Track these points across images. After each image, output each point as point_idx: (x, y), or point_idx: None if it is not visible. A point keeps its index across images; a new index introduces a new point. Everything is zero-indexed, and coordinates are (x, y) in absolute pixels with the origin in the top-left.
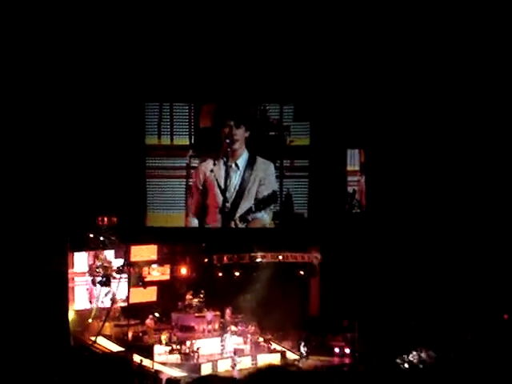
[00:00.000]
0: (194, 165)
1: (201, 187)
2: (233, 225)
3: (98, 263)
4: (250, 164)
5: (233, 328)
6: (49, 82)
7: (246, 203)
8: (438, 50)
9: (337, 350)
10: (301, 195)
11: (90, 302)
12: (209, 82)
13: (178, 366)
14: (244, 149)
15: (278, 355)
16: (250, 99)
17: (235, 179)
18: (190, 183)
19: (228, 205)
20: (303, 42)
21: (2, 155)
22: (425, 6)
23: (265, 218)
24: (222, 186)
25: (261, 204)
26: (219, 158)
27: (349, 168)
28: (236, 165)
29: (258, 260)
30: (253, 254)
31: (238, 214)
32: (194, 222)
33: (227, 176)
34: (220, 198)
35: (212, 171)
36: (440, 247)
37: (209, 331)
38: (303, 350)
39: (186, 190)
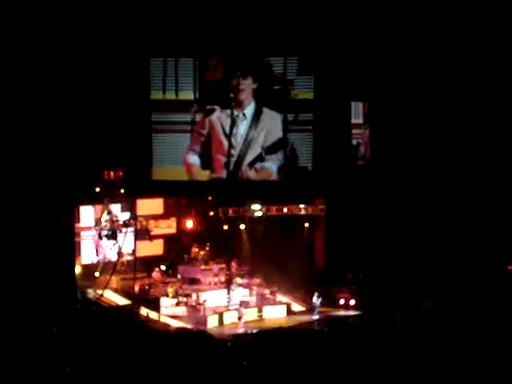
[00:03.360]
0: (198, 119)
1: (205, 134)
2: (243, 174)
3: (105, 217)
4: (257, 114)
5: (238, 280)
6: (55, 38)
7: (252, 153)
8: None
9: (342, 301)
10: (305, 148)
11: (97, 255)
12: (213, 37)
13: (184, 318)
14: (251, 99)
15: (284, 307)
16: (254, 52)
17: (242, 128)
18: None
19: (234, 153)
20: None
21: (10, 111)
22: None
23: (273, 168)
24: (228, 133)
25: (268, 151)
26: (225, 108)
27: (353, 121)
28: (244, 115)
29: (263, 213)
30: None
31: (245, 163)
32: (195, 160)
33: (233, 124)
34: (226, 146)
35: (218, 117)
36: (443, 197)
37: (215, 284)
38: (317, 301)
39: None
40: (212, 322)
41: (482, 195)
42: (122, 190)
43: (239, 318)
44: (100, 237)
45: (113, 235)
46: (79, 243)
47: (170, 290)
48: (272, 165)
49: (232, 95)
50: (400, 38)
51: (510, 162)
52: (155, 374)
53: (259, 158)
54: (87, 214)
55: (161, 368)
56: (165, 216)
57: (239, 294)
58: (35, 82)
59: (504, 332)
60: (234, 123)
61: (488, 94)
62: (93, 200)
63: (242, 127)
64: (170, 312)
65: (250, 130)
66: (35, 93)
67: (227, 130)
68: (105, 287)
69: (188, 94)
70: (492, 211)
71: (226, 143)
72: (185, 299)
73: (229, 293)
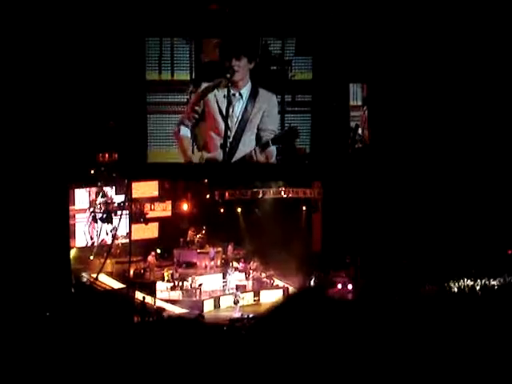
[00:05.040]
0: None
1: (199, 110)
2: (252, 157)
3: (100, 200)
4: (253, 95)
5: (235, 264)
6: (49, 17)
7: (249, 134)
8: None
9: (339, 285)
10: (303, 130)
11: (91, 238)
12: (209, 17)
13: (180, 302)
14: (248, 80)
15: (281, 291)
16: (250, 33)
17: (238, 108)
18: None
19: (230, 134)
20: None
21: (3, 95)
22: None
23: (273, 150)
24: (224, 113)
25: (279, 139)
26: (222, 88)
27: (351, 103)
28: (240, 94)
29: (260, 196)
30: (255, 190)
31: (241, 145)
32: (186, 133)
33: (229, 105)
34: (222, 127)
35: (215, 96)
36: (442, 181)
37: (211, 267)
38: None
39: None
40: (208, 307)
41: (481, 179)
42: (117, 173)
43: (236, 303)
44: (95, 219)
45: (107, 218)
46: (74, 226)
47: (165, 273)
48: (273, 147)
49: (228, 75)
50: (399, 19)
51: (508, 147)
52: (150, 359)
53: (267, 143)
54: (82, 197)
55: (156, 353)
56: (160, 199)
57: (236, 277)
58: (27, 65)
59: (503, 316)
60: (230, 103)
61: (489, 77)
62: (87, 182)
63: (238, 108)
64: (165, 296)
65: (246, 111)
66: (27, 75)
67: (223, 109)
68: (99, 271)
69: (184, 75)
70: (491, 194)
71: (221, 123)
72: (180, 283)
73: (225, 277)
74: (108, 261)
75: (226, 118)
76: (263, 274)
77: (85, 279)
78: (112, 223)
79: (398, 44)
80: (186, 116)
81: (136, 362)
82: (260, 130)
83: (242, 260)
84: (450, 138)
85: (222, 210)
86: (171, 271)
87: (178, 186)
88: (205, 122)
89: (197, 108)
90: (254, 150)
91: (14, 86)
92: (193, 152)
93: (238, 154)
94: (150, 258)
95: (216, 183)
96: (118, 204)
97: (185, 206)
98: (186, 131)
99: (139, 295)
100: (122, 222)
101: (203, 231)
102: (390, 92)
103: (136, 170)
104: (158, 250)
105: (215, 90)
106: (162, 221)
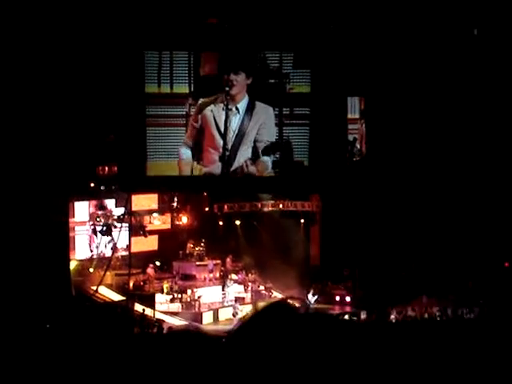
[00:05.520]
0: (192, 113)
1: (198, 127)
2: (243, 169)
3: (99, 212)
4: (250, 109)
5: (233, 276)
6: (48, 30)
7: (245, 147)
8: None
9: (338, 298)
10: (301, 143)
11: (91, 251)
12: (208, 31)
13: (179, 314)
14: (245, 94)
15: None
16: (248, 47)
17: (235, 123)
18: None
19: (228, 147)
20: None
21: (2, 107)
22: None
23: (268, 162)
24: (222, 129)
25: (266, 151)
26: (219, 102)
27: (349, 116)
28: (236, 108)
29: (259, 209)
30: (253, 203)
31: (238, 158)
32: (187, 154)
33: (226, 119)
34: (219, 141)
35: (211, 111)
36: (440, 193)
37: (210, 280)
38: (312, 298)
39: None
40: (207, 319)
41: (478, 191)
42: (117, 186)
43: (234, 315)
44: (94, 232)
45: (107, 230)
46: (74, 238)
47: (164, 286)
48: (267, 159)
49: (227, 88)
50: (396, 32)
51: (507, 157)
52: (150, 370)
53: (257, 154)
54: (82, 210)
55: (156, 365)
56: (159, 211)
57: (234, 290)
58: (27, 77)
59: (500, 328)
60: (226, 118)
61: (484, 89)
62: (87, 195)
63: (235, 122)
64: (164, 308)
65: (243, 125)
66: (27, 88)
67: (220, 124)
68: (99, 283)
69: (183, 88)
70: (488, 208)
71: (218, 137)
72: (179, 295)
73: (224, 289)
74: (108, 273)
75: (224, 132)
76: (262, 287)
77: (85, 291)
78: (112, 236)
79: (395, 57)
80: (188, 136)
81: (136, 374)
82: (256, 141)
83: (241, 272)
84: (447, 151)
85: (220, 223)
86: (170, 283)
87: (178, 199)
88: (203, 138)
89: (195, 124)
90: (246, 162)
91: (14, 99)
92: (191, 172)
93: (234, 167)
94: (150, 271)
95: (215, 196)
96: (118, 217)
97: (184, 219)
98: (186, 152)
99: (139, 307)
100: (121, 235)
101: (202, 244)
102: (387, 105)
103: (136, 183)
104: (158, 263)
105: (212, 105)
106: (161, 233)
